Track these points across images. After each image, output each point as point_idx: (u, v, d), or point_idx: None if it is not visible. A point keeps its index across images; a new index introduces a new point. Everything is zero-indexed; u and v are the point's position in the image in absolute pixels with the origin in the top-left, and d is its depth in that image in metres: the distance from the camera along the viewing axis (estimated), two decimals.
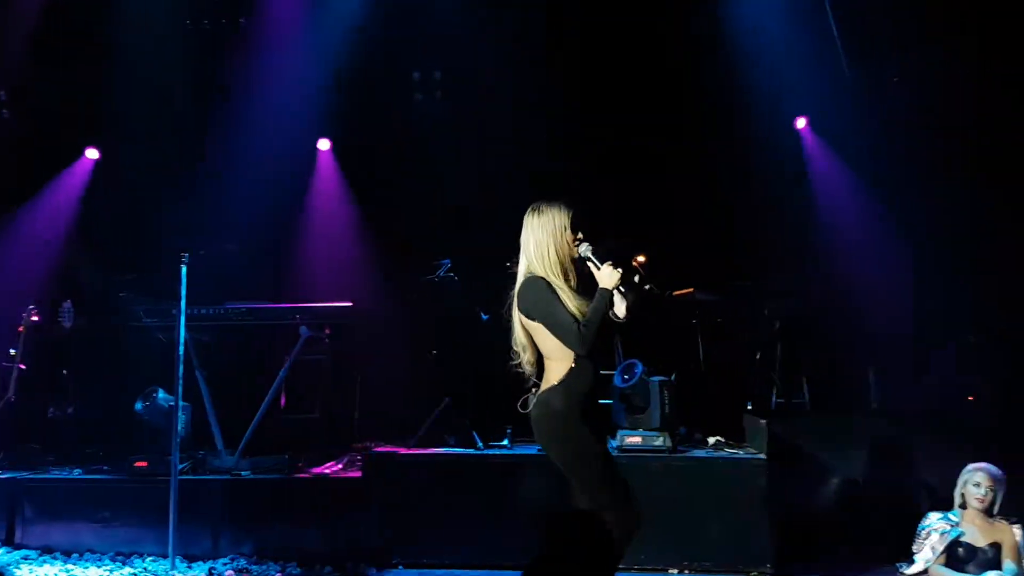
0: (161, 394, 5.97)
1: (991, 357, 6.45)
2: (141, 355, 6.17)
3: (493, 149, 7.20)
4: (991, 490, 4.85)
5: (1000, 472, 4.91)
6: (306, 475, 5.70)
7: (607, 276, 3.54)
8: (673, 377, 6.31)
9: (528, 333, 3.60)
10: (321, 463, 5.85)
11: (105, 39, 6.77)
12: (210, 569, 5.20)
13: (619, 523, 3.46)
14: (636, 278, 3.65)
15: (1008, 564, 4.69)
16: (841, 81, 6.87)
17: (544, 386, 3.57)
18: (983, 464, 4.95)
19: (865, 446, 6.03)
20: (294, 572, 5.20)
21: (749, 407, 6.59)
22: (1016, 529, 4.83)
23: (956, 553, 4.81)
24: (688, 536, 5.21)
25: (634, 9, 6.91)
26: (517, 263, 3.70)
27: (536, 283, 3.53)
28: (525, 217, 3.68)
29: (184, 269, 5.13)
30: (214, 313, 5.85)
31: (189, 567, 5.23)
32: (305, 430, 6.14)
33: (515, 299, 3.62)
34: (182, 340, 5.20)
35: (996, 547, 4.76)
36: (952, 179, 6.57)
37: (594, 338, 3.48)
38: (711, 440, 5.98)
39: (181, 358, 5.19)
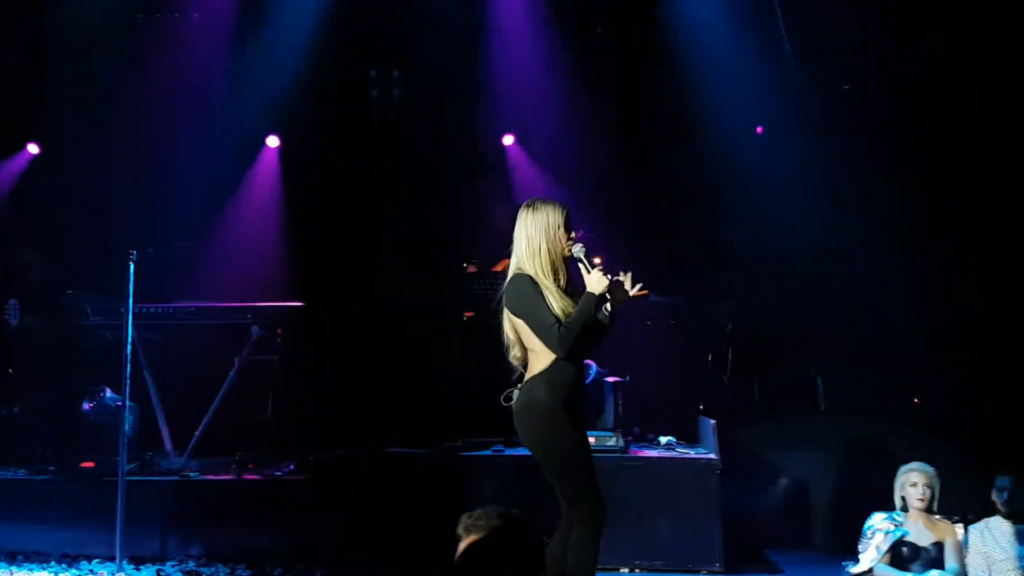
0: (108, 393, 5.88)
1: (940, 359, 6.59)
2: (89, 354, 6.06)
3: (450, 146, 7.18)
4: (928, 487, 4.95)
5: (932, 468, 5.02)
6: (256, 476, 5.64)
7: (595, 280, 3.53)
8: (627, 378, 6.38)
9: (515, 328, 3.60)
10: (272, 464, 5.79)
11: (48, 30, 6.62)
12: (158, 571, 5.13)
13: (592, 517, 3.49)
14: (627, 284, 3.63)
15: (950, 564, 4.78)
16: (792, 87, 6.96)
17: (528, 376, 3.57)
18: (914, 464, 5.05)
19: (813, 447, 6.14)
20: (244, 574, 5.14)
21: (701, 408, 6.67)
22: (958, 528, 4.94)
23: (900, 553, 4.90)
24: (639, 535, 5.25)
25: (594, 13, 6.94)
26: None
27: (522, 280, 3.53)
28: (519, 212, 3.65)
29: (132, 267, 5.04)
30: (163, 311, 5.76)
31: (136, 569, 5.14)
32: (256, 431, 6.07)
33: (503, 294, 3.62)
34: (129, 338, 5.12)
35: (939, 546, 4.85)
36: (897, 184, 6.69)
37: (574, 340, 3.46)
38: (663, 440, 6.03)
39: (128, 357, 5.11)
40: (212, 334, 6.02)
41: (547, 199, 3.66)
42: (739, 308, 6.97)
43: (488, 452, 5.63)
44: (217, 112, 6.95)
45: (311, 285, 6.62)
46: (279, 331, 5.83)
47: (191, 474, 5.64)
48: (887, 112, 6.76)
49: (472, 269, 6.53)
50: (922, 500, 4.95)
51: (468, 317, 6.41)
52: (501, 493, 5.25)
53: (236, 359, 5.85)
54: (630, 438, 5.90)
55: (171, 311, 5.79)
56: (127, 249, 5.07)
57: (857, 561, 5.05)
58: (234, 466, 5.70)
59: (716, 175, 6.99)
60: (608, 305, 3.62)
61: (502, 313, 3.63)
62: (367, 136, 7.27)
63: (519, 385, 3.59)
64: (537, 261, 3.54)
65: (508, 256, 6.09)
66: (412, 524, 5.10)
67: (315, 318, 6.10)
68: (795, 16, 6.59)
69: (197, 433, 5.73)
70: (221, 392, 5.78)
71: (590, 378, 6.00)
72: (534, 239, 3.56)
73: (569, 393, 3.50)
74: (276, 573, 5.13)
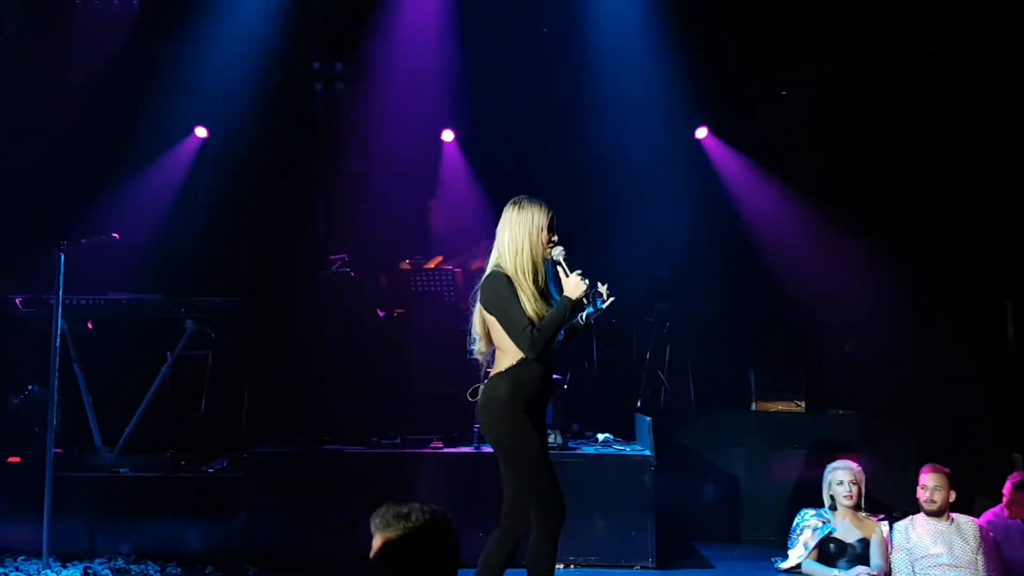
0: (36, 388, 5.72)
1: (871, 357, 6.77)
2: (17, 347, 5.89)
3: (394, 139, 7.14)
4: (854, 484, 5.10)
5: (858, 465, 5.17)
6: (188, 473, 5.55)
7: (573, 285, 3.50)
8: (567, 375, 6.42)
9: (485, 324, 3.59)
10: (204, 461, 5.70)
11: None
12: (85, 568, 5.01)
13: (548, 516, 3.49)
14: (603, 292, 3.58)
15: (875, 560, 4.91)
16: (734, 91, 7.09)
17: (493, 372, 3.56)
18: (840, 461, 5.20)
19: (746, 443, 6.26)
20: (174, 572, 5.06)
21: (638, 405, 6.75)
22: (883, 525, 5.08)
23: (827, 549, 5.03)
24: (576, 531, 5.20)
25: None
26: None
27: (498, 279, 3.51)
28: (505, 210, 3.63)
29: (62, 257, 4.92)
30: (94, 303, 5.61)
31: (64, 567, 5.02)
32: (188, 427, 5.97)
33: (478, 290, 3.60)
34: (58, 331, 5.00)
35: (865, 543, 5.00)
36: (834, 185, 6.86)
37: (545, 344, 3.46)
38: (601, 437, 6.08)
39: (57, 350, 4.99)
40: (145, 328, 5.90)
41: (533, 199, 3.63)
42: (677, 306, 7.07)
43: (427, 449, 5.62)
44: (152, 101, 6.82)
45: (246, 280, 6.54)
46: (213, 326, 5.73)
47: (121, 470, 5.52)
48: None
49: (407, 266, 6.49)
50: (849, 497, 5.09)
51: (399, 313, 6.39)
52: (438, 490, 5.25)
53: (169, 354, 5.73)
54: (568, 435, 5.94)
55: (102, 303, 5.64)
56: (57, 239, 4.95)
57: (786, 557, 5.18)
58: (166, 462, 5.60)
59: (656, 174, 7.09)
60: (583, 314, 3.61)
61: (474, 306, 3.62)
62: (308, 129, 7.19)
63: (485, 381, 3.58)
64: (518, 260, 3.53)
65: (443, 254, 6.09)
66: (347, 521, 5.07)
67: (250, 313, 6.02)
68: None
69: (128, 429, 5.61)
70: (153, 387, 5.66)
71: None
72: (517, 238, 3.54)
73: (532, 392, 3.50)
74: (208, 571, 5.06)
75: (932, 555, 4.69)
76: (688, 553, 5.62)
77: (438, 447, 5.63)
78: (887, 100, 6.80)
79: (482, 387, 3.58)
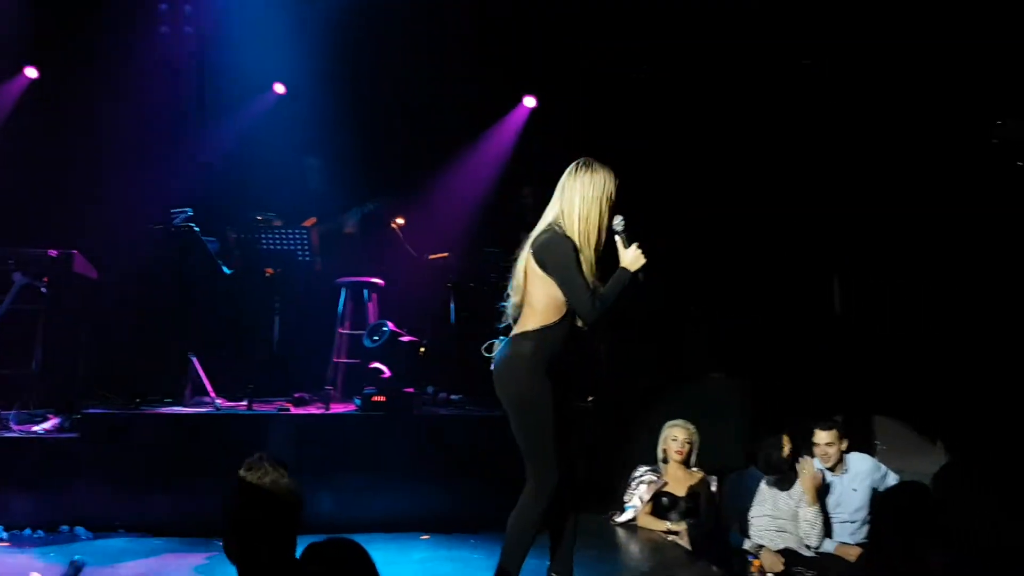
0: None
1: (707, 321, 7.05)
2: None
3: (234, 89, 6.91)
4: (688, 443, 5.39)
5: (693, 426, 5.46)
6: (15, 434, 5.25)
7: (632, 257, 3.46)
8: (425, 339, 6.43)
9: (527, 280, 3.49)
10: (36, 421, 5.41)
11: None
12: None
13: (541, 481, 3.42)
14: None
15: (705, 514, 5.20)
16: None
17: (517, 330, 3.48)
18: (679, 420, 5.49)
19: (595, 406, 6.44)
20: (1, 535, 4.82)
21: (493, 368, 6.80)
22: (712, 479, 5.39)
23: (660, 502, 5.30)
24: (434, 497, 5.29)
25: None
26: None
27: (565, 242, 3.41)
28: (573, 169, 3.50)
29: None
30: None
31: None
32: (18, 386, 5.64)
33: (532, 246, 3.48)
34: None
35: (694, 496, 5.29)
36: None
37: (604, 312, 3.42)
38: (455, 399, 6.15)
39: None
40: None
41: (602, 163, 3.52)
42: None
43: (273, 411, 5.53)
44: None
45: (81, 231, 6.19)
46: (45, 280, 5.42)
47: None
48: None
49: (278, 224, 6.32)
50: (680, 453, 5.37)
51: (269, 274, 6.21)
52: (283, 453, 5.15)
53: None
54: (424, 397, 5.98)
55: None
56: None
57: (623, 511, 5.41)
58: None
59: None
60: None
61: (519, 259, 3.51)
62: (157, 75, 6.84)
63: (500, 336, 3.52)
64: (583, 226, 3.44)
65: (315, 215, 5.92)
66: (186, 482, 4.95)
67: (86, 267, 5.72)
68: None
69: None
70: None
71: (383, 338, 6.02)
72: (589, 200, 3.45)
73: (554, 355, 3.44)
74: (38, 535, 4.84)
75: (762, 510, 4.95)
76: None
77: (284, 410, 5.56)
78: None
79: (496, 343, 3.52)
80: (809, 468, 4.74)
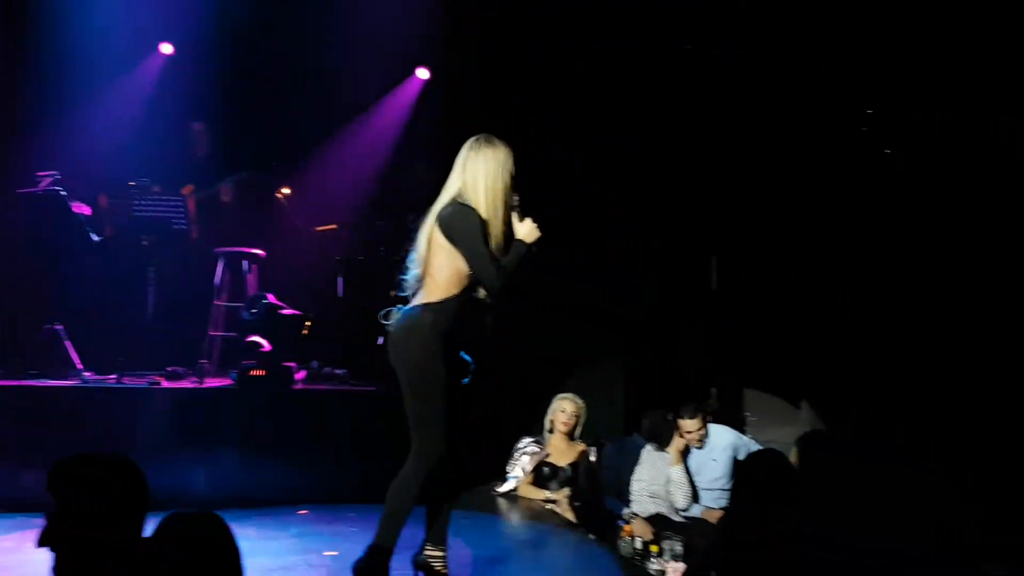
0: None
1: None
2: None
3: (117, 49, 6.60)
4: (575, 415, 5.50)
5: (582, 401, 5.57)
6: None
7: (527, 230, 3.52)
8: (311, 314, 6.32)
9: (431, 251, 3.48)
10: None
11: None
12: None
13: (425, 453, 3.41)
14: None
15: (583, 483, 5.33)
16: None
17: (418, 301, 3.47)
18: (569, 393, 5.60)
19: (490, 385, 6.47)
20: None
21: (380, 342, 6.76)
22: (592, 450, 5.52)
23: (542, 472, 5.39)
24: (313, 472, 5.24)
25: None
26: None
27: (472, 214, 3.44)
28: (475, 143, 3.52)
29: None
30: None
31: None
32: None
33: (437, 218, 3.47)
34: None
35: (575, 466, 5.40)
36: None
37: (508, 281, 3.45)
38: (340, 373, 6.08)
39: None
40: None
41: (501, 139, 3.57)
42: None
43: (144, 385, 5.35)
44: None
45: None
46: None
47: None
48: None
49: (157, 190, 6.04)
50: (566, 425, 5.48)
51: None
52: (152, 428, 5.02)
53: None
54: (305, 372, 5.89)
55: None
56: None
57: (505, 480, 5.48)
58: None
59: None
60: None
61: (421, 230, 3.51)
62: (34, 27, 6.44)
63: (398, 305, 3.51)
64: (488, 199, 3.47)
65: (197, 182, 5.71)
66: (45, 458, 4.72)
67: None
68: None
69: None
70: None
71: (262, 310, 5.90)
72: (491, 176, 3.49)
73: (450, 328, 3.46)
74: None
75: (640, 478, 5.16)
76: None
77: (156, 383, 5.38)
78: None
79: (393, 311, 3.51)
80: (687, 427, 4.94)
